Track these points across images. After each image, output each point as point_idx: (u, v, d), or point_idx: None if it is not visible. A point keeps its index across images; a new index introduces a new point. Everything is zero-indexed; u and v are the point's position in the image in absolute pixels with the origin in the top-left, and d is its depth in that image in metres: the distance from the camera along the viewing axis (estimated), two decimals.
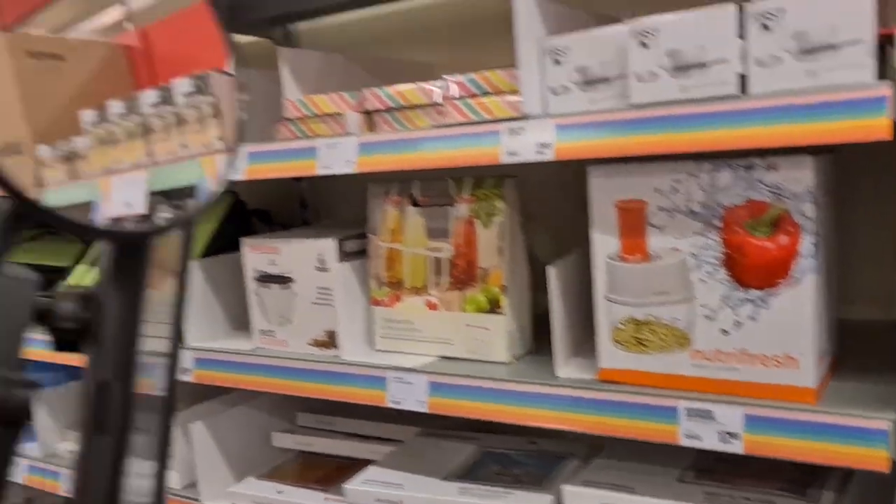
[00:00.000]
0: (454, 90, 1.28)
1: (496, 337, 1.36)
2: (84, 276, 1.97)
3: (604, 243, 1.17)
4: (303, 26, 2.09)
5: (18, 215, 0.57)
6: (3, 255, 0.58)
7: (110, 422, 0.57)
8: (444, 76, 1.30)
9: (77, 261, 2.02)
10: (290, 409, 1.94)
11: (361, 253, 1.52)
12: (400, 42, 1.95)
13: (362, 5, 1.80)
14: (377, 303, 1.49)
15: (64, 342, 0.62)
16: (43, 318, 0.65)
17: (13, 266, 0.72)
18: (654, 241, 1.13)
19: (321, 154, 1.37)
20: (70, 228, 0.55)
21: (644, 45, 1.08)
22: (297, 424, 1.92)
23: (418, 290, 1.43)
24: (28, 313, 0.65)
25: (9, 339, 0.63)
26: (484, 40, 1.82)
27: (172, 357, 0.64)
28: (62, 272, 2.01)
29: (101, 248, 0.64)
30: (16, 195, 0.54)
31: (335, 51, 1.80)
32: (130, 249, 0.61)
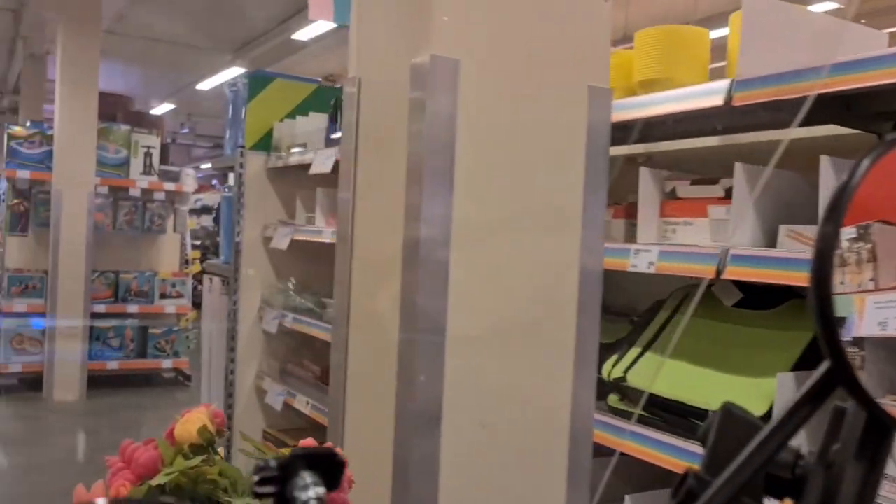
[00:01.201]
0: None
1: None
2: (631, 357, 2.03)
3: None
4: None
5: (832, 378, 0.57)
6: (811, 413, 0.58)
7: None
8: None
9: (625, 341, 2.10)
10: None
11: None
12: None
13: None
14: None
15: (773, 487, 0.65)
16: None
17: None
18: None
19: None
20: (868, 404, 0.56)
21: None
22: None
23: None
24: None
25: (757, 477, 0.63)
26: None
27: None
28: (610, 347, 2.10)
29: (849, 417, 0.61)
30: (838, 360, 0.54)
31: None
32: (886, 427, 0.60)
